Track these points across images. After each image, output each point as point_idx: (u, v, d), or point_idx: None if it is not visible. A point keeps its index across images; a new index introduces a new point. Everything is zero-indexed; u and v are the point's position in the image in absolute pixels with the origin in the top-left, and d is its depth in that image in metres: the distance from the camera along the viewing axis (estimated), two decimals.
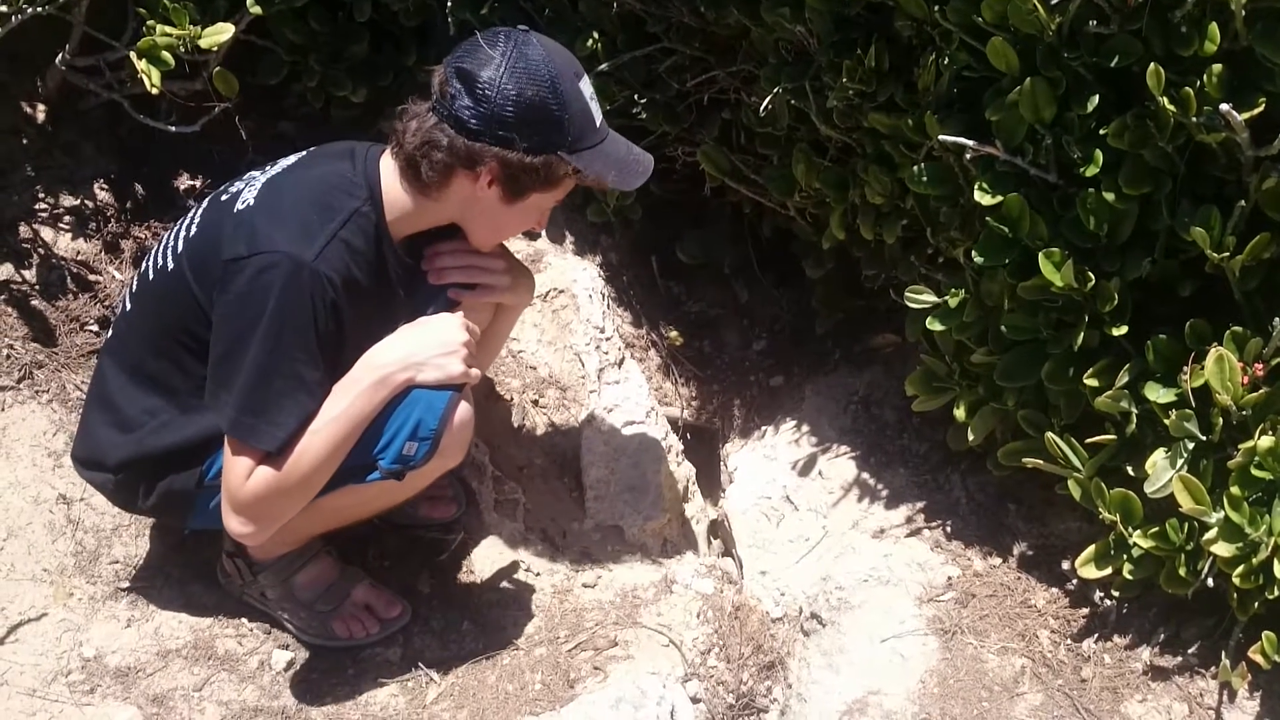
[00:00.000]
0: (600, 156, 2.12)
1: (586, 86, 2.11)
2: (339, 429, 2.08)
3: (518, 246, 3.09)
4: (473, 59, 2.04)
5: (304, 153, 2.25)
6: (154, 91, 2.53)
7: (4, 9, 2.44)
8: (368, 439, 2.11)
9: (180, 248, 2.17)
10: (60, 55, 2.77)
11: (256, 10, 2.72)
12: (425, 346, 2.13)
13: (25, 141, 2.86)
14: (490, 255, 2.30)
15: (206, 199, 2.25)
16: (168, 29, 2.53)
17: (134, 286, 2.29)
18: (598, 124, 2.13)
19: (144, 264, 2.28)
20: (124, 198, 2.96)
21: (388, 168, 2.14)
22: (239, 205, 2.11)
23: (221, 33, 2.58)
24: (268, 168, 2.21)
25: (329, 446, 2.08)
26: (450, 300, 2.26)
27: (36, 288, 2.74)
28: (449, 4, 2.91)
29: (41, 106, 2.91)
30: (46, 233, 2.81)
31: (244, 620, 2.42)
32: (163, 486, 2.25)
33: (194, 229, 2.18)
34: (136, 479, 2.25)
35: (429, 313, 2.20)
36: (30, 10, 2.50)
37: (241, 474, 2.06)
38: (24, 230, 2.78)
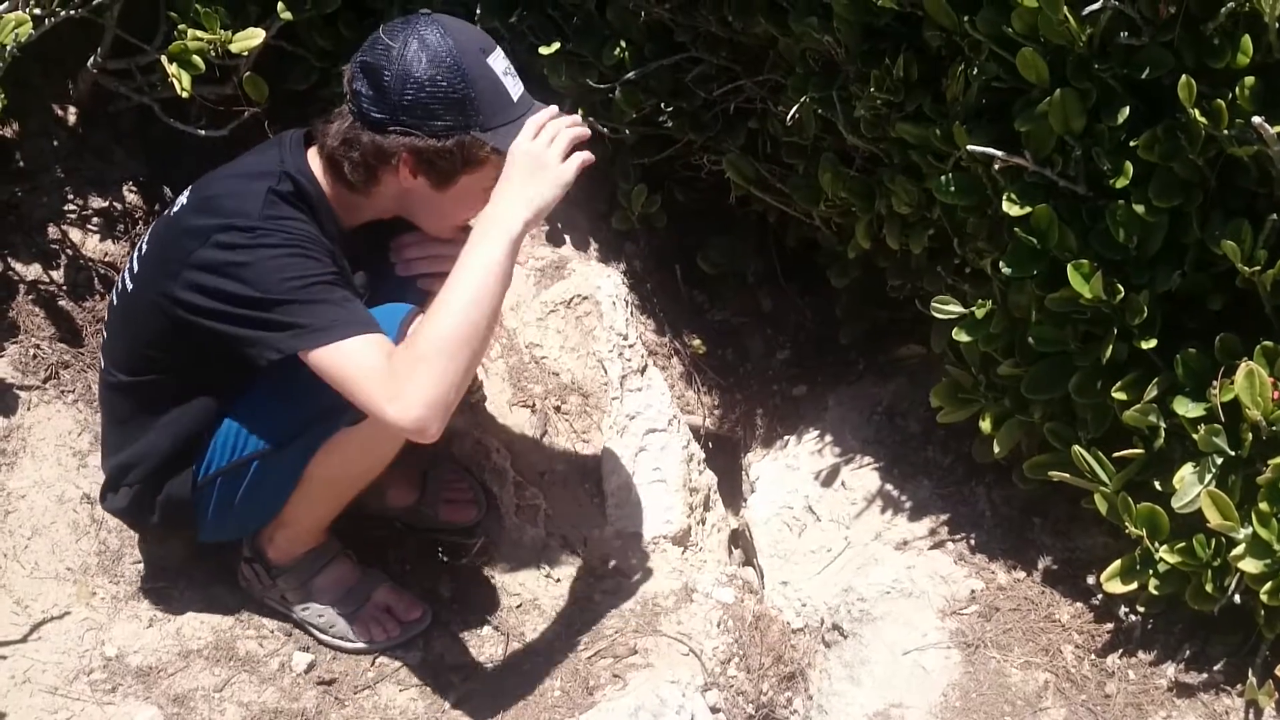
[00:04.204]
0: (517, 132, 2.06)
1: (498, 62, 2.06)
2: (494, 275, 1.97)
3: (542, 253, 3.09)
4: (373, 52, 2.03)
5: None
6: (184, 95, 2.55)
7: (37, 11, 2.46)
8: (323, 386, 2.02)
9: (137, 268, 2.20)
10: (92, 58, 2.79)
11: (287, 16, 2.74)
12: (540, 186, 2.02)
13: (55, 143, 2.88)
14: (455, 242, 2.18)
15: (153, 223, 2.29)
16: (198, 33, 2.55)
17: (106, 317, 2.34)
18: (515, 99, 2.08)
19: (110, 295, 2.32)
20: (152, 200, 2.98)
21: (316, 163, 2.14)
22: (175, 210, 2.16)
23: (252, 38, 2.59)
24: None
25: (481, 298, 1.96)
26: (420, 291, 2.22)
27: (64, 288, 2.76)
28: (478, 11, 2.92)
29: (72, 109, 2.93)
30: (75, 234, 2.83)
31: (265, 622, 2.43)
32: (161, 498, 2.27)
33: (145, 248, 2.21)
34: (140, 494, 2.28)
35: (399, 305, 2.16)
36: (63, 13, 2.52)
37: (374, 362, 1.92)
38: (53, 231, 2.79)
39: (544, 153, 2.03)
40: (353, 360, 1.94)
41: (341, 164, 2.08)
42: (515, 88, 2.09)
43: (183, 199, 2.17)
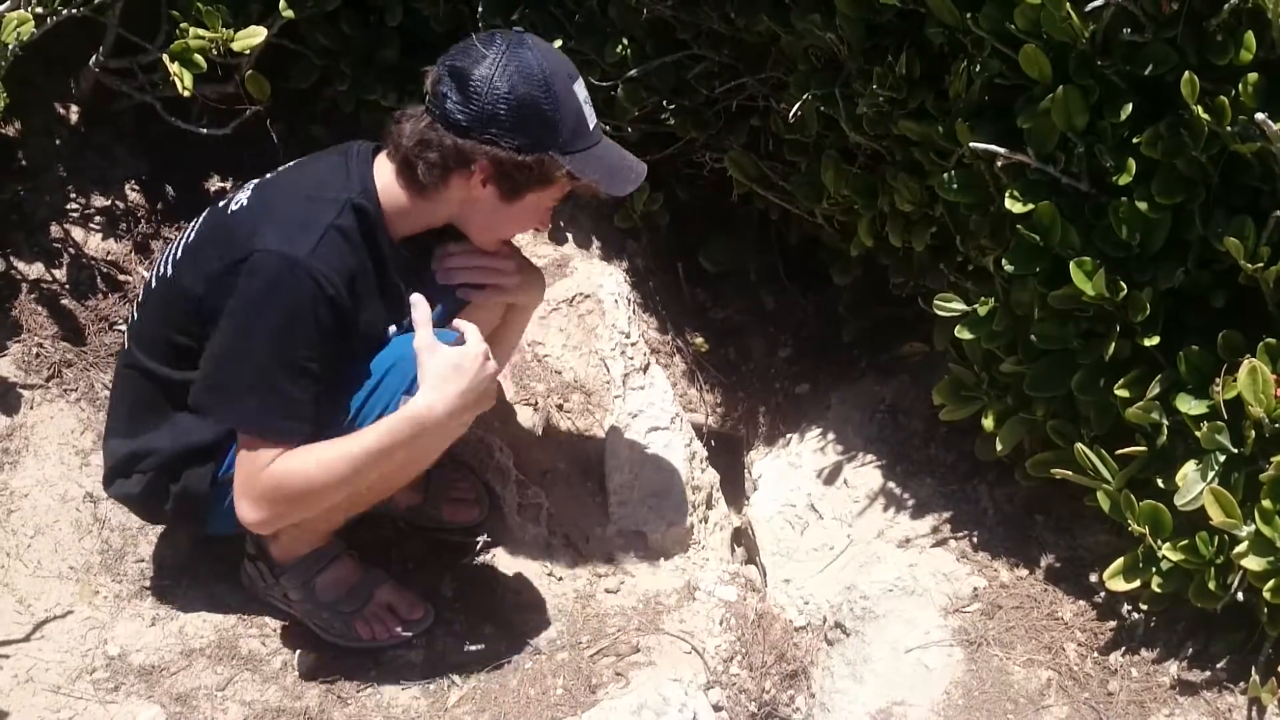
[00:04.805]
0: (592, 160, 2.13)
1: (581, 90, 2.12)
2: (364, 459, 2.08)
3: (545, 251, 3.10)
4: (466, 57, 2.06)
5: (300, 159, 2.28)
6: (186, 94, 2.55)
7: (39, 10, 2.46)
8: (364, 396, 2.13)
9: (180, 255, 2.21)
10: (94, 57, 2.79)
11: (289, 14, 2.74)
12: (462, 390, 2.08)
13: (58, 142, 2.89)
14: (500, 256, 2.30)
15: (206, 211, 2.28)
16: (200, 32, 2.55)
17: (140, 297, 2.34)
18: (591, 127, 2.13)
19: (149, 275, 2.32)
20: (155, 199, 2.98)
21: (384, 169, 2.15)
22: (233, 207, 2.15)
23: (254, 36, 2.59)
24: (266, 175, 2.24)
25: (350, 473, 2.09)
26: (459, 300, 2.27)
27: (66, 287, 2.76)
28: (480, 9, 2.92)
29: (75, 108, 2.94)
30: (77, 233, 2.83)
31: (268, 620, 2.43)
32: (177, 489, 2.27)
33: (193, 236, 2.22)
34: (154, 482, 2.27)
35: (436, 312, 2.20)
36: (65, 12, 2.52)
37: (259, 464, 2.07)
38: (55, 230, 2.80)
39: (480, 367, 2.09)
40: (244, 453, 2.10)
41: (415, 165, 2.09)
42: (592, 117, 2.14)
43: (244, 196, 2.17)
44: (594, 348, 2.99)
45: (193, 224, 2.26)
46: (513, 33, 2.10)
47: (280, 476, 2.07)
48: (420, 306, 2.12)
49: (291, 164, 2.26)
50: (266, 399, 2.05)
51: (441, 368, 2.08)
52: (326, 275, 2.03)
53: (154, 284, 2.27)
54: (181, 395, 2.21)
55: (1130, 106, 2.01)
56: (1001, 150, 2.11)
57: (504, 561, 2.61)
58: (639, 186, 2.25)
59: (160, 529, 2.50)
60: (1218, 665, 2.12)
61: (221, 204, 2.22)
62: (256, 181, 2.21)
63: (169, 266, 2.22)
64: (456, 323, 2.17)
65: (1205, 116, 1.90)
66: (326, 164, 2.20)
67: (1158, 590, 2.10)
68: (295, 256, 2.02)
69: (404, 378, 2.12)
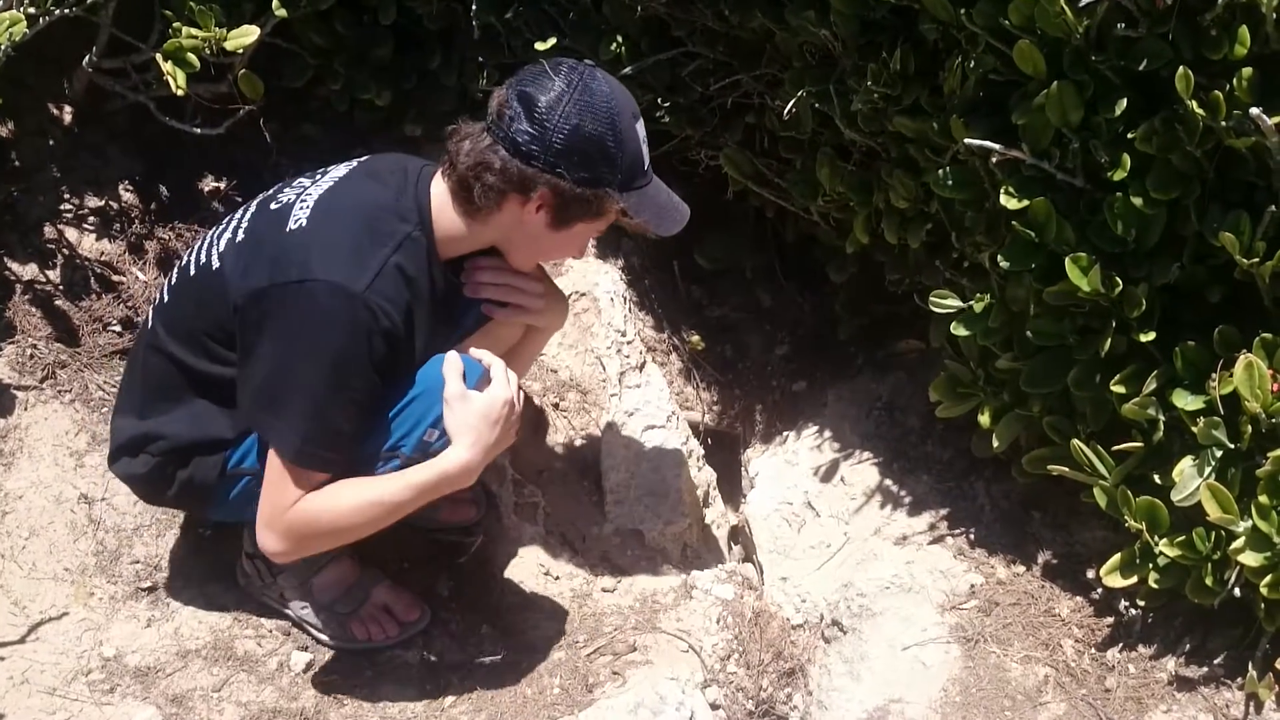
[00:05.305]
0: (645, 199, 2.15)
1: (641, 129, 2.13)
2: (391, 508, 2.10)
3: None
4: (536, 84, 2.05)
5: (355, 164, 2.23)
6: (179, 93, 2.54)
7: (32, 10, 2.45)
8: (391, 427, 2.12)
9: (225, 249, 2.17)
10: (87, 57, 2.78)
11: (282, 13, 2.73)
12: (491, 442, 2.10)
13: (51, 143, 2.88)
14: (529, 276, 2.30)
15: (255, 203, 2.24)
16: (193, 31, 2.54)
17: (173, 279, 2.29)
18: (646, 166, 2.15)
19: (185, 258, 2.28)
20: (149, 199, 2.98)
21: (439, 190, 2.14)
22: (291, 224, 2.09)
23: (247, 35, 2.59)
24: (318, 177, 2.20)
25: (378, 518, 2.11)
26: (483, 315, 2.29)
27: (60, 288, 2.75)
28: (473, 8, 2.92)
29: (68, 108, 2.93)
30: (71, 233, 2.82)
31: (263, 621, 2.42)
32: (184, 475, 2.25)
33: (240, 233, 2.17)
34: (162, 465, 2.25)
35: (462, 325, 2.23)
36: (57, 12, 2.52)
37: (290, 497, 2.06)
38: (49, 231, 2.79)
39: (504, 412, 2.11)
40: (276, 481, 2.07)
41: (472, 186, 2.08)
42: (648, 157, 2.15)
43: (302, 215, 2.10)
44: (590, 346, 2.98)
45: (239, 217, 2.21)
46: (584, 64, 2.10)
47: (308, 515, 2.07)
48: (452, 360, 2.11)
49: (349, 173, 2.19)
50: (314, 427, 2.03)
51: (472, 419, 2.08)
52: (382, 307, 2.02)
53: (192, 270, 2.22)
54: (203, 384, 2.20)
55: (1125, 102, 2.01)
56: (996, 146, 2.10)
57: (501, 561, 2.61)
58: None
59: (155, 530, 2.49)
60: (1215, 661, 2.12)
61: (274, 207, 2.16)
62: (315, 194, 2.14)
63: (214, 258, 2.17)
64: (478, 353, 2.15)
65: (1200, 111, 1.89)
66: (387, 186, 2.16)
67: (1155, 586, 2.10)
68: (352, 289, 2.00)
69: (429, 408, 2.11)
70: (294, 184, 2.21)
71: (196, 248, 2.25)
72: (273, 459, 2.07)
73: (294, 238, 2.07)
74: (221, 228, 2.24)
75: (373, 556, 2.51)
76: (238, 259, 2.13)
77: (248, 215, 2.21)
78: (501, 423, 2.10)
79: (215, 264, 2.16)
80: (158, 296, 2.32)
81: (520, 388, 2.18)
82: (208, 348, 2.18)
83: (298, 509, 2.06)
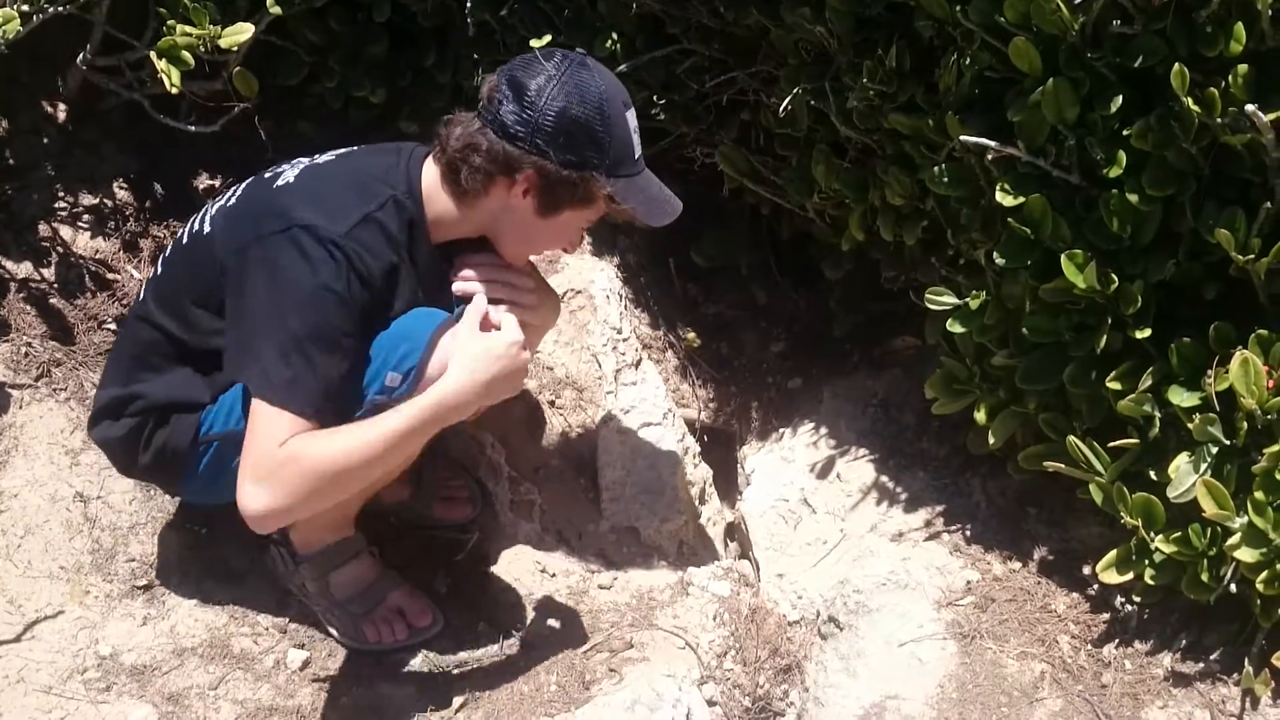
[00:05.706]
0: (634, 187, 2.15)
1: (632, 119, 2.13)
2: (389, 442, 2.01)
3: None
4: (526, 70, 2.08)
5: (353, 148, 2.27)
6: (174, 91, 2.54)
7: (25, 8, 2.45)
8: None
9: (217, 214, 2.20)
10: (81, 55, 2.78)
11: (276, 11, 2.72)
12: (489, 377, 2.07)
13: (46, 141, 2.88)
14: (520, 273, 2.30)
15: (252, 178, 2.27)
16: (188, 29, 2.54)
17: (167, 252, 2.32)
18: (636, 156, 2.15)
19: (180, 232, 2.30)
20: (143, 197, 2.97)
21: (430, 172, 2.16)
22: (279, 182, 2.14)
23: (241, 33, 2.58)
24: (315, 156, 2.23)
25: (370, 454, 2.00)
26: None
27: (55, 286, 2.75)
28: (468, 5, 2.92)
29: (62, 106, 2.93)
30: (66, 231, 2.82)
31: (260, 619, 2.42)
32: (162, 436, 2.23)
33: (234, 201, 2.21)
34: (139, 426, 2.23)
35: (453, 314, 2.20)
36: (51, 10, 2.51)
37: (276, 440, 1.96)
38: (43, 229, 2.79)
39: (516, 353, 2.09)
40: (262, 426, 1.98)
41: (460, 168, 2.10)
42: (638, 147, 2.16)
43: (290, 175, 2.16)
44: (586, 343, 2.98)
45: (233, 190, 2.24)
46: (575, 53, 2.12)
47: (297, 453, 1.95)
48: (479, 298, 2.14)
49: (344, 151, 2.24)
50: (300, 369, 1.98)
51: (476, 348, 2.07)
52: (359, 254, 2.03)
53: (185, 239, 2.25)
54: (188, 354, 2.20)
55: (1120, 99, 2.01)
56: (992, 143, 2.11)
57: (497, 558, 2.61)
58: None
59: (151, 528, 2.49)
60: (1211, 657, 2.12)
61: (267, 175, 2.20)
62: (306, 163, 2.19)
63: (205, 223, 2.20)
64: (494, 313, 2.15)
65: (1195, 108, 1.90)
66: (379, 159, 2.20)
67: (1151, 582, 2.11)
68: (330, 233, 2.01)
69: (393, 349, 2.09)
70: (292, 162, 2.24)
71: (191, 220, 2.28)
72: (256, 408, 1.98)
73: (280, 194, 2.11)
74: (214, 201, 2.27)
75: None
76: (226, 222, 2.17)
77: (240, 189, 2.25)
78: (504, 360, 2.08)
79: (206, 229, 2.19)
80: (152, 271, 2.35)
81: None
82: (196, 319, 2.18)
83: (286, 453, 1.95)
